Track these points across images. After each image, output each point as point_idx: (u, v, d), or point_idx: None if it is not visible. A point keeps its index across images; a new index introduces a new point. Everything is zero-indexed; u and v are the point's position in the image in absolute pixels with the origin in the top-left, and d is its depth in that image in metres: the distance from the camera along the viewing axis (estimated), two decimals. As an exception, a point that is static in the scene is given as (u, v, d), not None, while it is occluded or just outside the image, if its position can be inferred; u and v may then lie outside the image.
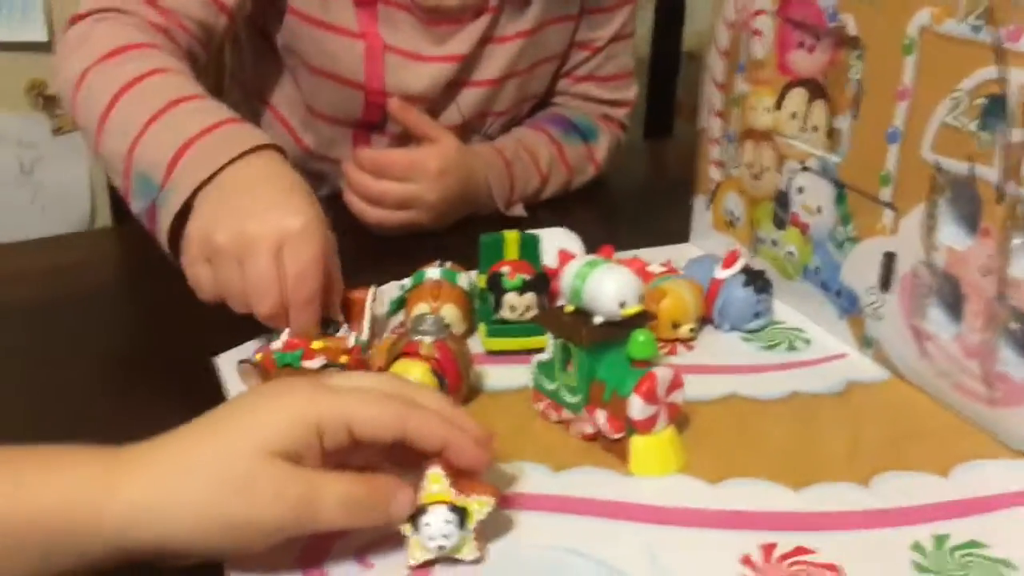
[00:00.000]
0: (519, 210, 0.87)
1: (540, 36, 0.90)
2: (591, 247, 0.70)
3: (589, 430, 0.54)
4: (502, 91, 0.91)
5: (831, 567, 0.45)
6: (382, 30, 0.84)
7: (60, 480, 0.39)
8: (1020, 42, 0.48)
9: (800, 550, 0.46)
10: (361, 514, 0.42)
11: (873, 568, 0.45)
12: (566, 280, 0.53)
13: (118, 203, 2.00)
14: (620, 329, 0.53)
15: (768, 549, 0.46)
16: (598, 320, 0.52)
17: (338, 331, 0.60)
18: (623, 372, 0.52)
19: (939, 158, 0.54)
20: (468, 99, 0.90)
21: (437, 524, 0.43)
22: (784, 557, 0.46)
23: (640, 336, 0.52)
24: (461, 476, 0.44)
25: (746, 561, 0.45)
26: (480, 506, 0.44)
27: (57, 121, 1.85)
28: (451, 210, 0.82)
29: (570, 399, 0.54)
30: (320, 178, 0.93)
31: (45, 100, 1.83)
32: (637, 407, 0.51)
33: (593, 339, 0.52)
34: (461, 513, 0.43)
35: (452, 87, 0.88)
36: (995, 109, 0.50)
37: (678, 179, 1.05)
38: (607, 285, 0.52)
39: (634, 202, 0.98)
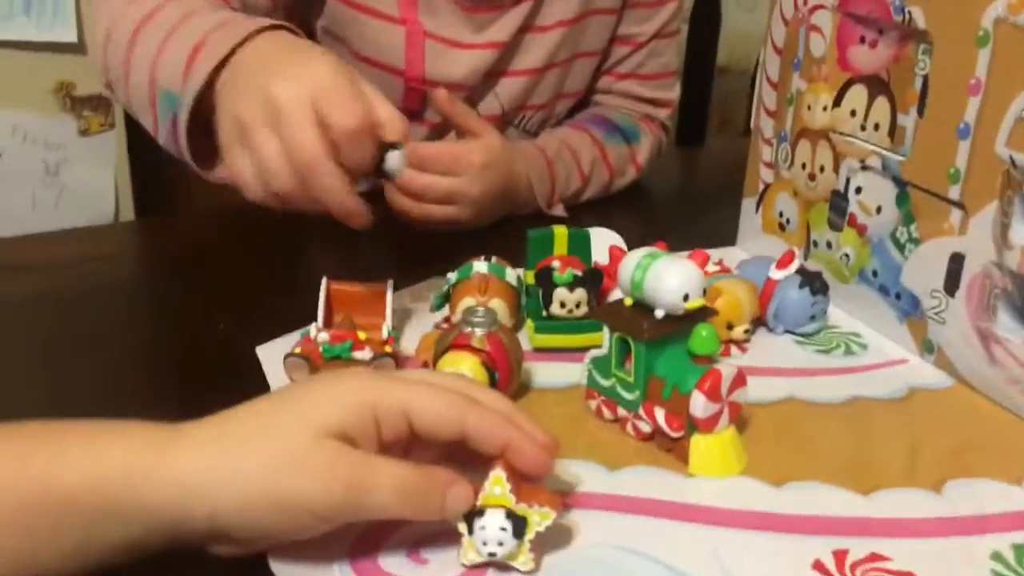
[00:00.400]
0: (560, 210, 0.86)
1: (580, 27, 0.89)
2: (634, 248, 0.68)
3: (646, 428, 0.52)
4: (541, 82, 0.89)
5: (908, 575, 0.43)
6: (422, 16, 0.83)
7: (106, 453, 0.37)
8: (1108, 31, 0.46)
9: (874, 557, 0.44)
10: (415, 503, 0.40)
11: (953, 576, 0.43)
12: (625, 272, 0.51)
13: (142, 204, 2.00)
14: (682, 323, 0.51)
15: (840, 555, 0.44)
16: (659, 314, 0.50)
17: (397, 151, 0.56)
18: (684, 368, 0.50)
19: (1014, 153, 0.52)
20: (507, 89, 0.88)
21: (492, 530, 0.41)
22: (858, 564, 0.43)
23: (703, 331, 0.50)
24: (524, 482, 0.42)
25: (818, 567, 0.43)
26: (541, 517, 0.41)
27: (84, 122, 1.85)
28: (493, 206, 0.80)
29: (627, 396, 0.52)
30: None
31: (72, 101, 1.82)
32: (700, 405, 0.49)
33: (655, 333, 0.51)
34: (519, 522, 0.41)
35: (491, 76, 0.87)
36: (1078, 102, 0.48)
37: (716, 185, 1.04)
38: (670, 277, 0.50)
39: (673, 206, 0.96)
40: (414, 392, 0.41)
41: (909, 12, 0.58)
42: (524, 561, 0.41)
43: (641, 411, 0.52)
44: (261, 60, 0.58)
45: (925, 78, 0.58)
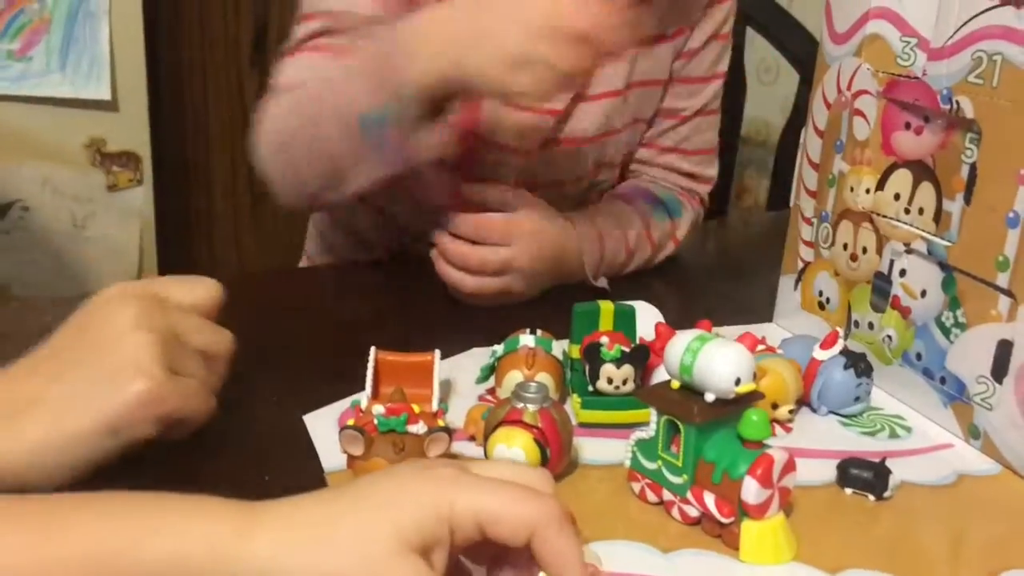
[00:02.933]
0: (603, 282, 0.86)
1: (628, 97, 0.90)
2: (671, 321, 0.69)
3: (694, 513, 0.52)
4: (593, 150, 0.91)
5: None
6: None
7: (190, 532, 0.37)
8: None
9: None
10: None
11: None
12: (674, 355, 0.52)
13: (165, 260, 2.02)
14: (732, 407, 0.51)
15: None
16: (710, 398, 0.50)
17: None
18: (735, 453, 0.50)
19: (1066, 245, 0.53)
20: (560, 155, 0.90)
21: None
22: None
23: (754, 415, 0.50)
24: None
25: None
26: None
27: (112, 177, 1.88)
28: (542, 276, 0.80)
29: (674, 480, 0.52)
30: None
31: (102, 157, 1.85)
32: (752, 490, 0.49)
33: (706, 417, 0.51)
34: None
35: (546, 143, 0.88)
36: None
37: (747, 259, 1.05)
38: (722, 362, 0.50)
39: (707, 279, 0.97)
40: (491, 498, 0.40)
41: (957, 102, 0.59)
42: None
43: (689, 495, 0.51)
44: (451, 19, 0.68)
45: (972, 166, 0.59)
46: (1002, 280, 0.57)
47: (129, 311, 0.51)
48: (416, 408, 0.53)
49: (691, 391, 0.51)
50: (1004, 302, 0.57)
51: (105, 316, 0.51)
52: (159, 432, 0.51)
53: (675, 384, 0.52)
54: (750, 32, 1.39)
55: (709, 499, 0.50)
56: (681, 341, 0.52)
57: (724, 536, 0.51)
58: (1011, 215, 0.56)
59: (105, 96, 1.79)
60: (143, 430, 0.51)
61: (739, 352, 0.51)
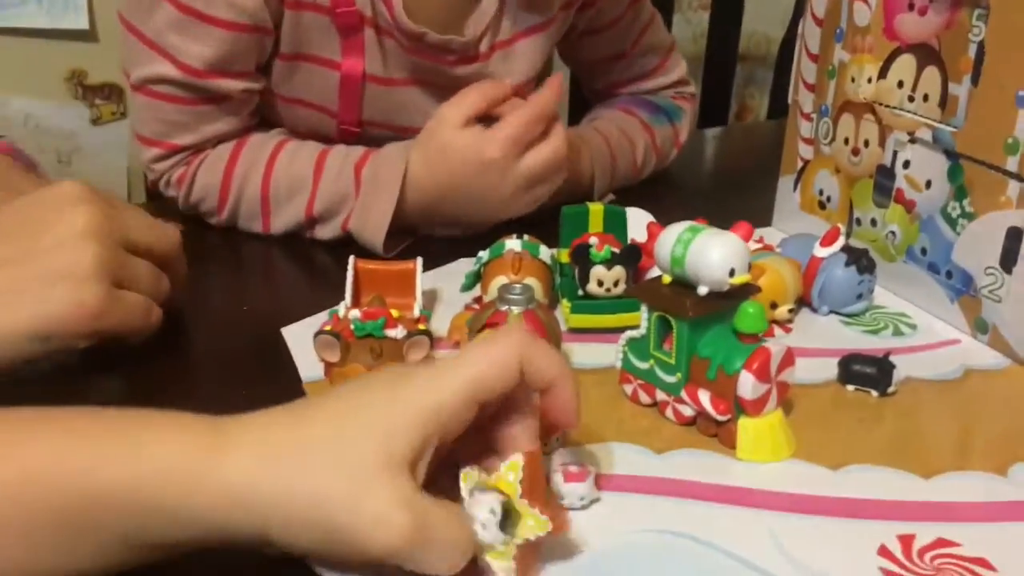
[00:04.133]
0: (610, 197, 0.83)
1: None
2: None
3: (688, 412, 0.49)
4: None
5: (982, 561, 0.40)
6: (366, 60, 0.77)
7: (148, 452, 0.34)
8: None
9: (942, 542, 0.41)
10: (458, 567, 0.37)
11: (1027, 564, 0.40)
12: (664, 246, 0.49)
13: (154, 194, 1.98)
14: (727, 301, 0.48)
15: (907, 540, 0.41)
16: (703, 291, 0.48)
17: None
18: (730, 347, 0.48)
19: (1081, 121, 0.50)
20: None
21: (482, 509, 0.37)
22: (926, 549, 0.41)
23: (750, 308, 0.47)
24: (539, 489, 0.39)
25: (884, 552, 0.41)
26: (537, 524, 0.37)
27: (95, 111, 1.83)
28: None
29: (667, 379, 0.50)
30: None
31: (84, 89, 1.81)
32: (748, 385, 0.46)
33: (699, 311, 0.48)
34: (510, 516, 0.37)
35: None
36: None
37: (744, 166, 1.02)
38: (714, 251, 0.47)
39: (704, 187, 0.94)
40: (468, 369, 0.38)
41: (963, -25, 0.55)
42: (505, 566, 0.37)
43: (683, 394, 0.49)
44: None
45: (980, 44, 0.55)
46: (1012, 164, 0.54)
47: (80, 216, 0.48)
48: (395, 313, 0.51)
49: (684, 285, 0.49)
50: (1014, 187, 0.54)
51: (57, 215, 0.48)
52: (95, 343, 0.49)
53: (666, 279, 0.49)
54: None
55: (704, 397, 0.48)
56: (672, 232, 0.49)
57: (720, 435, 0.48)
58: (1022, 93, 0.53)
59: (83, 26, 1.73)
60: (75, 341, 0.49)
61: (733, 241, 0.48)
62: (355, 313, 0.49)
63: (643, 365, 0.51)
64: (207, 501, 0.34)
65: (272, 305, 0.65)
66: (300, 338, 0.57)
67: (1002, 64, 0.54)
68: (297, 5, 0.72)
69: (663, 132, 0.89)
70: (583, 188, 0.81)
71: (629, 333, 0.52)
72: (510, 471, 0.38)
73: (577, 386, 0.41)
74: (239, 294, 0.67)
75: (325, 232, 0.73)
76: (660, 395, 0.51)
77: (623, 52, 0.90)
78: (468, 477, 0.38)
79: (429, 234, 0.74)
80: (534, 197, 0.72)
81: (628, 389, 0.52)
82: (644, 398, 0.52)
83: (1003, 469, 0.46)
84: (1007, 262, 0.55)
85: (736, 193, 0.89)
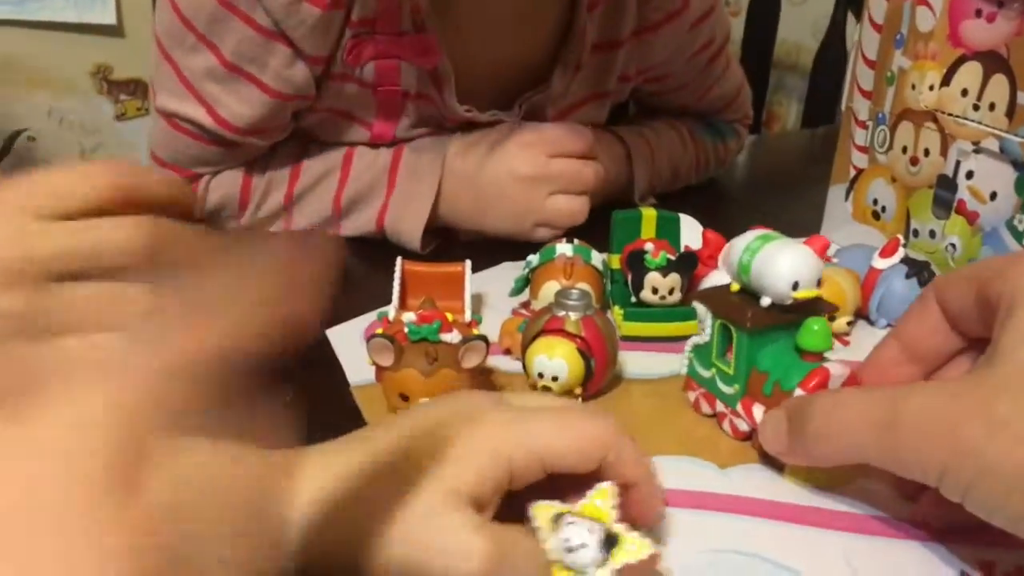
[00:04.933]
0: (651, 201, 0.82)
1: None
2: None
3: (744, 427, 0.48)
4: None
5: None
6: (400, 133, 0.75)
7: (251, 455, 0.32)
8: None
9: (1020, 571, 0.39)
10: None
11: None
12: (733, 254, 0.47)
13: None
14: (792, 315, 0.46)
15: (988, 566, 0.40)
16: (765, 302, 0.46)
17: None
18: (790, 363, 0.46)
19: None
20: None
21: (578, 532, 0.35)
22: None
23: (815, 324, 0.45)
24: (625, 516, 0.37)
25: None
26: (638, 546, 0.35)
27: (120, 107, 1.83)
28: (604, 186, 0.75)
29: (726, 390, 0.48)
30: None
31: (110, 85, 1.80)
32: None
33: (759, 323, 0.46)
34: (611, 538, 0.35)
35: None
36: None
37: (785, 174, 1.00)
38: (780, 262, 0.45)
39: (747, 195, 0.92)
40: (551, 431, 0.36)
41: (1038, -19, 0.54)
42: None
43: (739, 407, 0.47)
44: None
45: (1054, 53, 0.54)
46: (1087, 176, 0.52)
47: None
48: (450, 316, 0.49)
49: (750, 295, 0.47)
50: (1088, 201, 0.52)
51: None
52: None
53: (734, 286, 0.48)
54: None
55: (758, 411, 0.46)
56: (742, 240, 0.47)
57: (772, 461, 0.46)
58: (1100, 103, 0.51)
59: (111, 21, 1.72)
60: None
61: (802, 253, 0.46)
62: (409, 316, 0.48)
63: (706, 373, 0.49)
64: (298, 515, 0.33)
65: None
66: (345, 341, 0.55)
67: (1078, 73, 0.52)
68: (342, 78, 0.70)
69: (708, 146, 0.87)
70: (619, 187, 0.79)
71: (695, 339, 0.50)
72: (598, 498, 0.37)
73: (659, 486, 0.39)
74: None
75: (353, 226, 0.71)
76: (719, 406, 0.49)
77: (689, 104, 0.87)
78: (542, 508, 0.36)
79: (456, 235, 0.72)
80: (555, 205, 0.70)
81: (692, 396, 0.51)
82: (705, 408, 0.50)
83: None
84: (1078, 278, 0.53)
85: (777, 201, 0.87)
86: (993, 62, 0.58)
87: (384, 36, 0.67)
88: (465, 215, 0.71)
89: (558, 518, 0.36)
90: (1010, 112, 0.57)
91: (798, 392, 0.44)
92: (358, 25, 0.66)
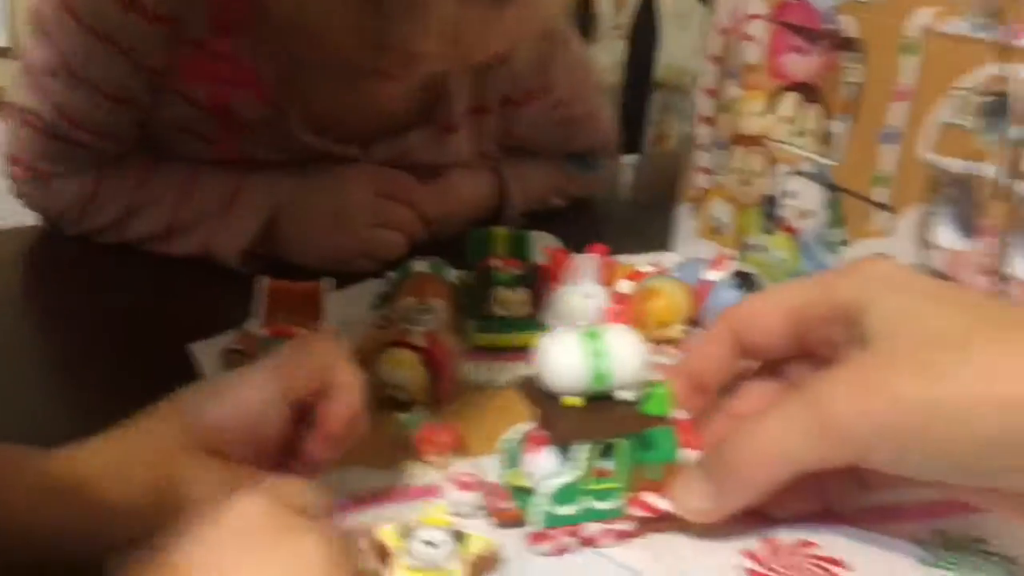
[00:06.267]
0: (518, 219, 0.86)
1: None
2: (575, 250, 0.69)
3: (627, 527, 0.45)
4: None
5: (836, 561, 0.44)
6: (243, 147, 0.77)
7: None
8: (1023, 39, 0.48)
9: (803, 544, 0.45)
10: None
11: (880, 565, 0.44)
12: (577, 361, 0.42)
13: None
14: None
15: (771, 544, 0.45)
16: (625, 394, 0.43)
17: None
18: (660, 438, 0.44)
19: (938, 158, 0.54)
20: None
21: (432, 535, 0.40)
22: (786, 550, 0.44)
23: (660, 390, 0.44)
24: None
25: (747, 554, 0.44)
26: (484, 542, 0.41)
27: (15, 127, 1.81)
28: (456, 219, 0.80)
29: (604, 506, 0.44)
30: None
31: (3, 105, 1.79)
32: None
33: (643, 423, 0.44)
34: (460, 538, 0.40)
35: None
36: (997, 107, 0.51)
37: (655, 193, 1.06)
38: (632, 352, 0.43)
39: (614, 213, 0.97)
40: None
41: (839, 21, 0.60)
42: None
43: (628, 509, 0.44)
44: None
45: (854, 85, 0.60)
46: (880, 195, 0.59)
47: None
48: (303, 332, 0.53)
49: (599, 403, 0.43)
50: (882, 217, 0.59)
51: None
52: None
53: (575, 402, 0.43)
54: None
55: (652, 498, 0.44)
56: (573, 346, 0.43)
57: (661, 528, 0.45)
58: (887, 131, 0.57)
59: (3, 43, 1.71)
60: None
61: (633, 339, 0.44)
62: (263, 331, 0.51)
63: (572, 509, 0.43)
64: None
65: (179, 322, 0.66)
66: (209, 355, 0.58)
67: (873, 104, 0.59)
68: (181, 94, 0.72)
69: (578, 178, 0.91)
70: (491, 209, 0.84)
71: (551, 485, 0.43)
72: (437, 511, 0.41)
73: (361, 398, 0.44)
74: (137, 310, 0.68)
75: (184, 246, 0.74)
76: (592, 529, 0.44)
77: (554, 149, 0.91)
78: (388, 532, 0.40)
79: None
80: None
81: (547, 548, 0.44)
82: (569, 544, 0.44)
83: (866, 477, 0.50)
84: (878, 286, 0.60)
85: (644, 218, 0.92)
86: (808, 92, 0.64)
87: (219, 61, 0.71)
88: (295, 243, 0.73)
89: (406, 531, 0.40)
90: (822, 138, 0.64)
91: (686, 453, 0.45)
92: (192, 44, 0.70)
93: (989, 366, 0.38)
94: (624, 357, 0.42)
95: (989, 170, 0.51)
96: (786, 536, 0.45)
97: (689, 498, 0.44)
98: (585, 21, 1.46)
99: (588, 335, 0.42)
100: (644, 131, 1.47)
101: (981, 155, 0.52)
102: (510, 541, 0.44)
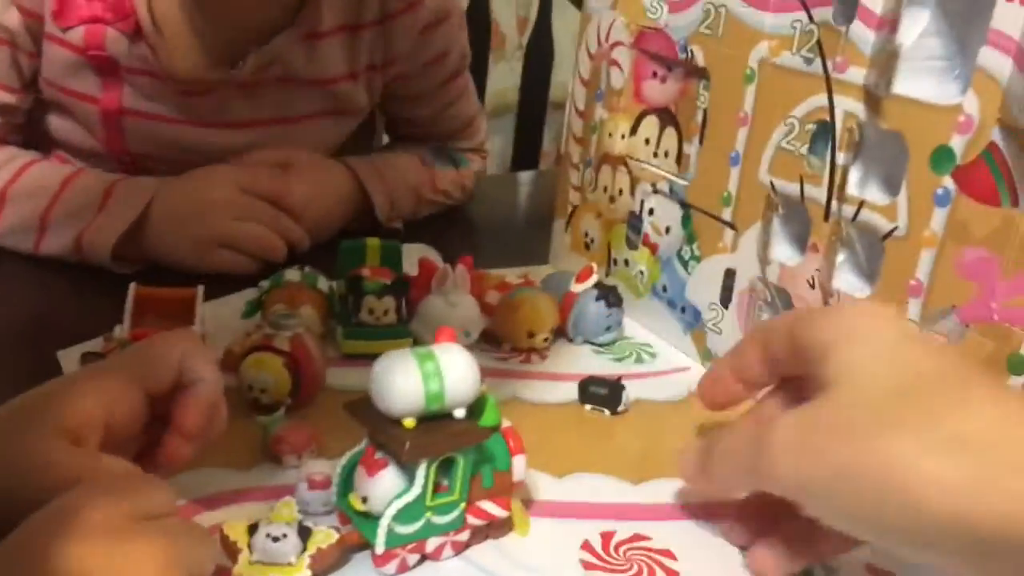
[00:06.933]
0: (398, 224, 0.88)
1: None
2: (453, 263, 0.71)
3: (466, 537, 0.46)
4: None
5: (666, 552, 0.47)
6: (124, 97, 0.80)
7: None
8: (846, 73, 0.53)
9: (637, 537, 0.48)
10: None
11: (705, 554, 0.47)
12: (415, 387, 0.43)
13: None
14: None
15: (607, 536, 0.48)
16: (460, 413, 0.44)
17: None
18: (492, 448, 0.46)
19: (774, 179, 0.59)
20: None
21: (277, 528, 0.42)
22: (622, 543, 0.47)
23: (489, 400, 0.46)
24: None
25: (586, 547, 0.47)
26: (326, 535, 0.43)
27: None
28: (326, 219, 0.82)
29: (443, 520, 0.45)
30: None
31: None
32: (521, 466, 0.47)
33: (481, 435, 0.45)
34: (305, 533, 0.43)
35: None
36: (823, 135, 0.55)
37: (538, 208, 1.10)
38: (466, 371, 0.44)
39: (498, 226, 1.00)
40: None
41: (691, 51, 0.64)
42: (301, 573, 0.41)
43: (467, 518, 0.46)
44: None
45: (705, 111, 0.64)
46: (727, 214, 0.63)
47: None
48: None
49: (432, 420, 0.43)
50: (729, 234, 0.63)
51: None
52: None
53: (410, 423, 0.43)
54: (560, 1, 1.44)
55: (488, 505, 0.46)
56: (408, 369, 0.43)
57: (494, 531, 0.48)
58: (733, 154, 0.62)
59: None
60: None
61: (466, 358, 0.44)
62: (123, 336, 0.52)
63: (414, 527, 0.44)
64: None
65: (48, 329, 0.66)
66: (75, 362, 0.59)
67: (719, 128, 0.63)
68: (57, 41, 0.75)
69: (444, 173, 0.95)
70: (356, 208, 0.86)
71: (396, 506, 0.43)
72: (284, 508, 0.44)
73: (221, 392, 0.46)
74: (11, 317, 0.68)
75: (55, 243, 0.74)
76: (433, 544, 0.46)
77: (427, 123, 0.97)
78: (233, 526, 0.42)
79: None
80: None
81: (393, 566, 0.45)
82: (412, 560, 0.45)
83: (703, 476, 0.54)
84: (725, 299, 0.64)
85: (525, 234, 0.96)
86: (666, 116, 0.68)
87: None
88: (162, 239, 0.75)
89: (252, 528, 0.42)
90: (679, 159, 0.68)
91: (515, 460, 0.46)
92: None
93: (923, 445, 0.36)
94: (457, 377, 0.43)
95: (817, 192, 0.56)
96: (624, 529, 0.48)
97: (686, 468, 0.49)
98: (486, 41, 1.49)
99: (421, 357, 0.43)
100: (539, 153, 1.50)
101: (810, 178, 0.56)
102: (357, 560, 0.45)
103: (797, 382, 0.45)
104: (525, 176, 1.32)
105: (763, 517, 0.47)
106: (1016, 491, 0.34)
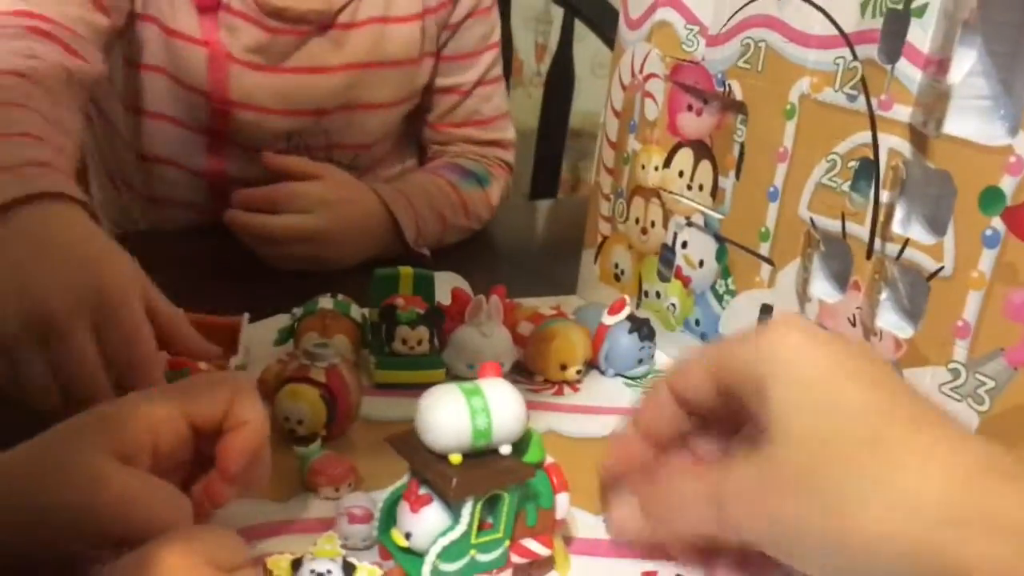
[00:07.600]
0: (425, 250, 0.88)
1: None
2: (480, 293, 0.71)
3: (510, 573, 0.46)
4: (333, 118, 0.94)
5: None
6: (224, 38, 0.86)
7: None
8: (890, 111, 0.53)
9: (680, 578, 0.47)
10: None
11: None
12: (462, 423, 0.42)
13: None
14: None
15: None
16: (506, 450, 0.44)
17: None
18: (535, 484, 0.46)
19: (814, 216, 0.58)
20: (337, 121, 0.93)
21: (322, 564, 0.41)
22: (665, 584, 0.47)
23: (532, 436, 0.46)
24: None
25: (630, 585, 0.46)
26: (371, 572, 0.42)
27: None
28: (354, 243, 0.83)
29: (488, 558, 0.44)
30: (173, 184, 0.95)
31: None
32: (564, 504, 0.47)
33: (527, 474, 0.45)
34: (349, 569, 0.42)
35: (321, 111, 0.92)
36: (866, 172, 0.55)
37: (563, 237, 1.09)
38: (515, 407, 0.44)
39: (522, 256, 1.00)
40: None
41: (729, 85, 0.64)
42: None
43: (511, 557, 0.45)
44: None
45: (742, 145, 0.64)
46: (764, 249, 0.62)
47: None
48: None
49: (478, 458, 0.43)
50: (766, 269, 0.62)
51: None
52: None
53: (456, 459, 0.42)
54: (581, 27, 1.44)
55: (531, 543, 0.46)
56: (455, 405, 0.43)
57: (534, 571, 0.47)
58: (771, 190, 0.61)
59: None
60: None
61: (512, 393, 0.44)
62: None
63: (458, 565, 0.44)
64: None
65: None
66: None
67: (757, 163, 0.63)
68: None
69: (472, 193, 0.95)
70: (384, 235, 0.86)
71: (441, 544, 0.43)
72: (327, 543, 0.43)
73: (266, 429, 0.45)
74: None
75: None
76: None
77: (465, 87, 1.00)
78: (277, 561, 0.42)
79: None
80: None
81: None
82: None
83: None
84: (761, 334, 0.63)
85: (550, 263, 0.95)
86: (701, 149, 0.68)
87: None
88: None
89: (296, 563, 0.42)
90: (713, 192, 0.67)
91: (558, 498, 0.46)
92: None
93: (869, 494, 0.37)
94: (504, 414, 0.43)
95: (859, 230, 0.55)
96: (665, 572, 0.48)
97: (624, 521, 0.49)
98: (506, 68, 1.50)
99: (468, 392, 0.42)
100: (559, 177, 1.50)
101: (852, 215, 0.56)
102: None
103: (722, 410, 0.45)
104: (546, 204, 1.32)
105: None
106: (939, 544, 0.36)
